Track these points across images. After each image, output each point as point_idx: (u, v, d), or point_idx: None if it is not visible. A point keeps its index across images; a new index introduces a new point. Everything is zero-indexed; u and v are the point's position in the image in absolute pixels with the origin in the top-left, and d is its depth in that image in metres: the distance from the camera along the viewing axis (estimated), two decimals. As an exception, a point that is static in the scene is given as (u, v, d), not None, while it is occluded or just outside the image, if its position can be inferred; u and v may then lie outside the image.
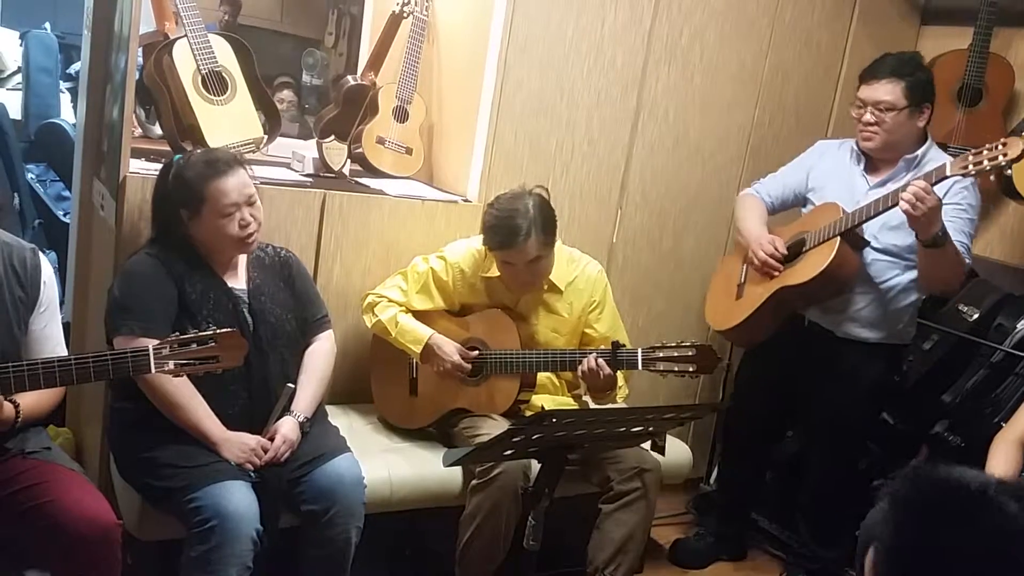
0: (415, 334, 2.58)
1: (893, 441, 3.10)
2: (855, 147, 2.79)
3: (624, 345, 2.47)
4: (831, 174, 2.82)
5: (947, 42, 3.35)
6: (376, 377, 2.78)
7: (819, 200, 2.81)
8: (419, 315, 2.64)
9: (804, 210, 2.90)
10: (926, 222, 2.38)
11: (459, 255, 2.67)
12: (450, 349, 2.56)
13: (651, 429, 2.23)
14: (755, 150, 3.38)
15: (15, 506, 1.90)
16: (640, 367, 2.43)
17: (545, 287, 2.64)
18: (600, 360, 2.43)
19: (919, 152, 2.68)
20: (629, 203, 3.21)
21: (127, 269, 2.22)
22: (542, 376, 2.68)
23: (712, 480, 3.45)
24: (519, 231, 2.43)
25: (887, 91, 2.62)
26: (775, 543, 3.26)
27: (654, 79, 3.13)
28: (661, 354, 2.41)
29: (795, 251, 2.70)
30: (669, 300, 3.38)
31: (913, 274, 2.67)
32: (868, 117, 2.65)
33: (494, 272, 2.61)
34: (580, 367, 2.46)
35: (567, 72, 2.97)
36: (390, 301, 2.63)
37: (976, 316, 3.04)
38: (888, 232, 2.64)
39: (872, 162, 2.76)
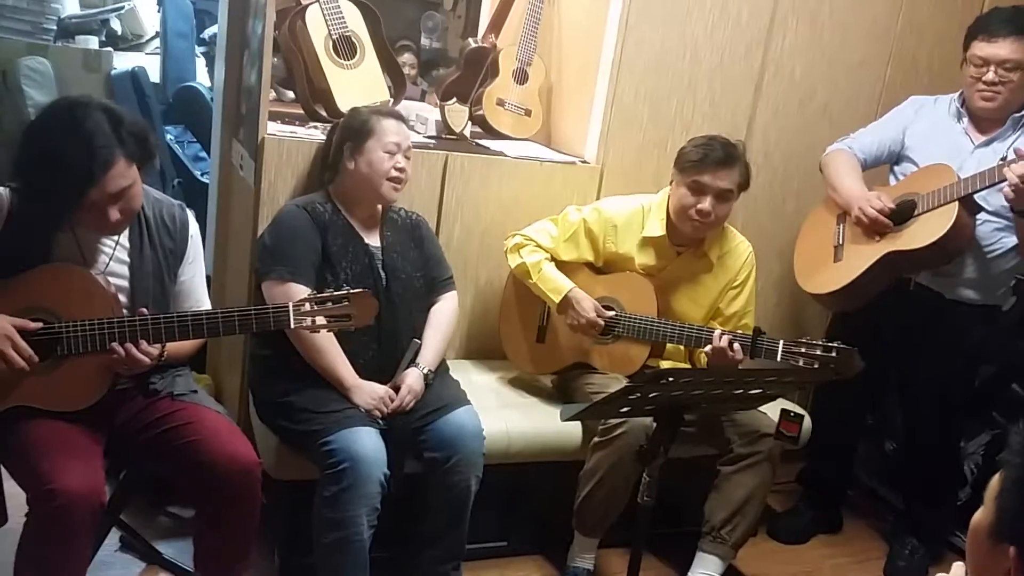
0: (556, 283, 2.61)
1: (1022, 413, 2.97)
2: (956, 102, 2.69)
3: (765, 333, 2.43)
4: (931, 132, 2.72)
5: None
6: (506, 317, 2.82)
7: (920, 159, 2.70)
8: (560, 265, 2.66)
9: (897, 167, 2.80)
10: None
11: (615, 210, 2.67)
12: (588, 305, 2.58)
13: (769, 392, 2.22)
14: (886, 110, 3.24)
15: (165, 444, 2.04)
16: (779, 359, 2.40)
17: (696, 259, 2.64)
18: (736, 344, 2.41)
19: None
20: (751, 164, 3.14)
21: (278, 218, 2.36)
22: (671, 344, 2.68)
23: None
24: (727, 153, 2.50)
25: (1013, 49, 2.52)
26: (882, 506, 3.22)
27: (780, 36, 3.05)
28: (803, 350, 2.36)
29: (905, 213, 2.59)
30: (791, 265, 3.29)
31: None
32: (991, 76, 2.55)
33: (654, 232, 2.61)
34: (711, 344, 2.43)
35: (690, 29, 2.93)
36: (537, 246, 2.66)
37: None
38: (998, 194, 2.52)
39: (976, 119, 2.65)
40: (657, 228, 2.61)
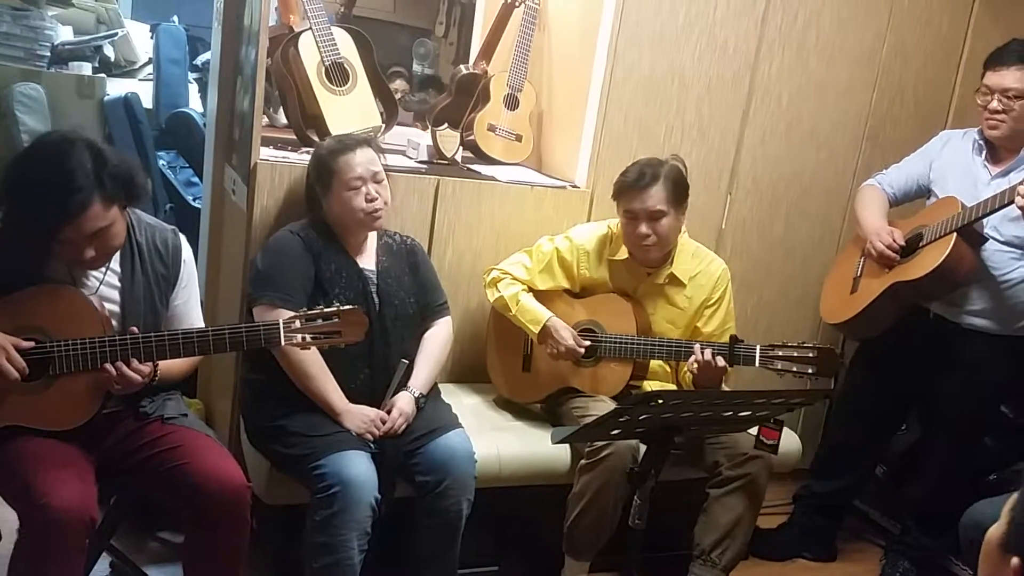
0: (534, 314, 2.64)
1: (1010, 435, 2.99)
2: (977, 137, 2.73)
3: (742, 341, 2.46)
4: (952, 165, 2.76)
5: (1080, 22, 3.20)
6: (492, 349, 2.85)
7: (941, 192, 2.75)
8: (539, 294, 2.69)
9: (928, 202, 2.83)
10: None
11: (585, 237, 2.71)
12: (566, 334, 2.60)
13: (759, 414, 2.24)
14: (872, 135, 3.31)
15: (154, 467, 2.04)
16: (757, 364, 2.42)
17: (666, 279, 2.66)
18: (717, 356, 2.43)
19: None
20: (739, 189, 3.19)
21: (271, 244, 2.38)
22: (654, 363, 2.70)
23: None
24: (644, 175, 2.52)
25: (1016, 78, 2.57)
26: (875, 531, 3.20)
27: (767, 64, 3.09)
28: (780, 353, 2.39)
29: (913, 245, 2.65)
30: (779, 288, 3.34)
31: None
32: (995, 105, 2.61)
33: (621, 255, 2.66)
34: (692, 358, 2.46)
35: (678, 57, 2.97)
36: (514, 278, 2.69)
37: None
38: (1010, 224, 2.58)
39: (995, 151, 2.70)
40: (622, 251, 2.66)
